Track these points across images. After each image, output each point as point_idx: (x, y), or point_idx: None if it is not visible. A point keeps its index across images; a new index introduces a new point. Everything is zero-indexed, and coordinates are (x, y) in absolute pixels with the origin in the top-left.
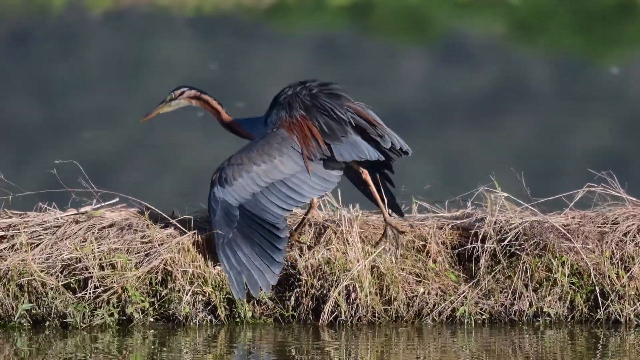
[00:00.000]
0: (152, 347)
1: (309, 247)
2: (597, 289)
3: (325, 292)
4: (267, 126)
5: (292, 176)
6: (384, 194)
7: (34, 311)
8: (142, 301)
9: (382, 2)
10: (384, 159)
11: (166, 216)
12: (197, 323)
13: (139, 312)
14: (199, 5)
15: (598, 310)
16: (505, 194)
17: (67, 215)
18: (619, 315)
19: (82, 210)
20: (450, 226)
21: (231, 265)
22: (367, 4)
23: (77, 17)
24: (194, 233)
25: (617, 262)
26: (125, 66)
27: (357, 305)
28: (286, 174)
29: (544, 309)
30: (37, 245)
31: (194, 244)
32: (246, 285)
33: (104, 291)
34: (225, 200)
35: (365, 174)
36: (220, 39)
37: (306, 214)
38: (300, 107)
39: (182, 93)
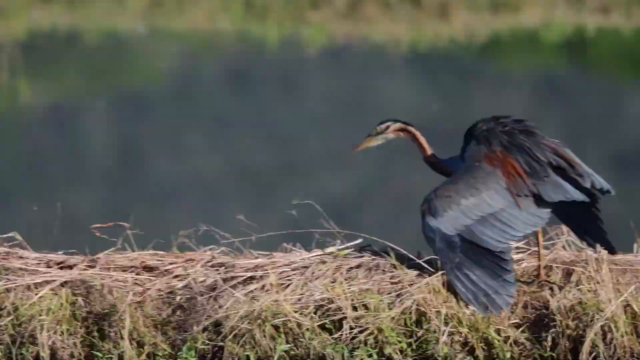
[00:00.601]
0: None
1: (560, 287)
2: None
3: (580, 332)
4: (465, 161)
5: (502, 210)
6: (598, 231)
7: (292, 352)
8: (400, 342)
9: (595, 39)
10: (589, 200)
11: (412, 256)
12: None
13: (397, 353)
14: (414, 42)
15: None
16: None
17: (313, 256)
18: None
19: (328, 250)
20: None
21: (466, 287)
22: (580, 40)
23: (293, 54)
24: (443, 273)
25: None
26: (346, 104)
27: (615, 345)
28: (495, 209)
29: None
30: (288, 286)
31: (443, 284)
32: (487, 306)
33: (360, 332)
34: (440, 229)
35: (539, 232)
36: (438, 76)
37: (538, 250)
38: (498, 144)
39: (387, 127)
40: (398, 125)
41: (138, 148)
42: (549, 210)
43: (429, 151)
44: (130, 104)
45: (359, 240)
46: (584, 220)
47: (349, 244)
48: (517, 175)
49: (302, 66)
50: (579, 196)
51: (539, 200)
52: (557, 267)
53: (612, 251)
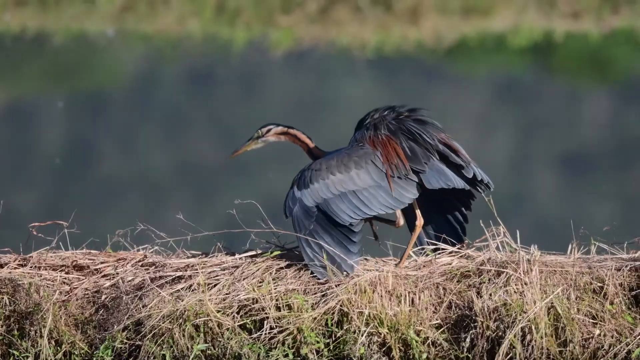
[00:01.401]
0: None
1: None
2: None
3: (500, 333)
4: (351, 145)
5: (364, 189)
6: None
7: (209, 351)
8: (317, 342)
9: (563, 44)
10: (469, 188)
11: (343, 257)
12: None
13: (313, 353)
14: (380, 45)
15: None
16: None
17: (244, 256)
18: None
19: (260, 251)
20: (628, 268)
21: (314, 253)
22: (547, 45)
23: (258, 57)
24: (371, 274)
25: None
26: (306, 106)
27: (533, 347)
28: (359, 186)
29: None
30: (215, 286)
31: (370, 285)
32: (333, 271)
33: (280, 332)
34: (302, 199)
35: (419, 225)
36: (401, 79)
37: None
38: (386, 129)
39: (269, 130)
40: (280, 128)
41: (89, 148)
42: (411, 198)
43: (316, 150)
44: (88, 105)
45: (293, 241)
46: (451, 210)
47: (282, 245)
48: (396, 157)
49: (265, 68)
50: (459, 183)
51: (409, 185)
52: (489, 265)
53: (460, 241)
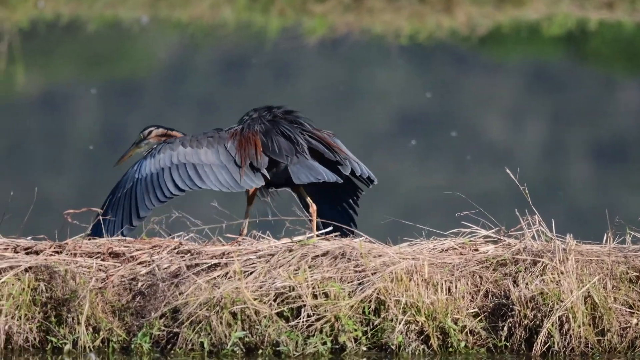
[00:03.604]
0: None
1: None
2: None
3: (538, 322)
4: None
5: (205, 165)
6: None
7: (247, 339)
8: (355, 330)
9: (597, 33)
10: (342, 181)
11: (380, 244)
12: (410, 352)
13: (351, 341)
14: (414, 33)
15: None
16: None
17: (281, 244)
18: None
19: (296, 239)
20: None
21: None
22: (581, 34)
23: (292, 45)
24: (406, 262)
25: None
26: (340, 94)
27: (570, 336)
28: (202, 162)
29: None
30: (251, 274)
31: (406, 273)
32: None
33: (317, 319)
34: (140, 169)
35: (313, 211)
36: (434, 67)
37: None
38: (254, 126)
39: (149, 133)
40: (160, 130)
41: (123, 135)
42: (251, 185)
43: None
44: (121, 92)
45: (329, 228)
46: (340, 202)
47: (317, 232)
48: (253, 147)
49: (299, 56)
50: (331, 177)
51: (256, 174)
52: (524, 257)
53: (351, 232)
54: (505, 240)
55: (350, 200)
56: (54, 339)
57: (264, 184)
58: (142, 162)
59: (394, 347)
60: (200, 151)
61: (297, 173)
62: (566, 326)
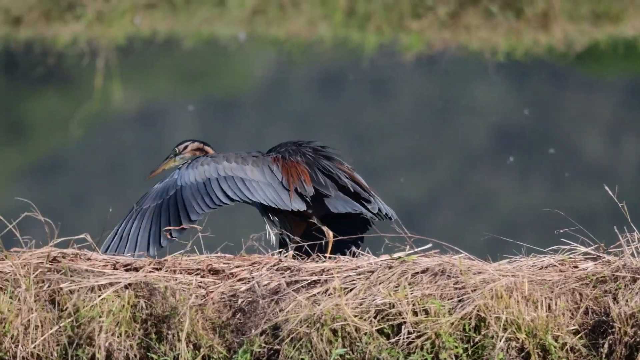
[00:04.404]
0: None
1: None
2: None
3: (638, 339)
4: None
5: (253, 180)
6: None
7: (348, 356)
8: (456, 347)
9: None
10: (371, 215)
11: (480, 261)
12: None
13: (452, 358)
14: (511, 50)
15: None
16: None
17: (380, 261)
18: None
19: (395, 255)
20: None
21: (123, 230)
22: None
23: (388, 61)
24: (506, 279)
25: None
26: (437, 110)
27: None
28: (249, 177)
29: None
30: (351, 290)
31: (506, 290)
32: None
33: (418, 336)
34: (181, 177)
35: (331, 239)
36: (532, 83)
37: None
38: (297, 157)
39: (185, 147)
40: (196, 144)
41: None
42: (297, 207)
43: None
44: (218, 108)
45: (428, 245)
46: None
47: (417, 249)
48: (299, 174)
49: (396, 72)
50: (364, 210)
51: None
52: (624, 274)
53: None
54: (604, 257)
55: (358, 232)
56: (154, 356)
57: (306, 209)
58: (182, 172)
59: None
60: (246, 167)
61: (335, 204)
62: None
